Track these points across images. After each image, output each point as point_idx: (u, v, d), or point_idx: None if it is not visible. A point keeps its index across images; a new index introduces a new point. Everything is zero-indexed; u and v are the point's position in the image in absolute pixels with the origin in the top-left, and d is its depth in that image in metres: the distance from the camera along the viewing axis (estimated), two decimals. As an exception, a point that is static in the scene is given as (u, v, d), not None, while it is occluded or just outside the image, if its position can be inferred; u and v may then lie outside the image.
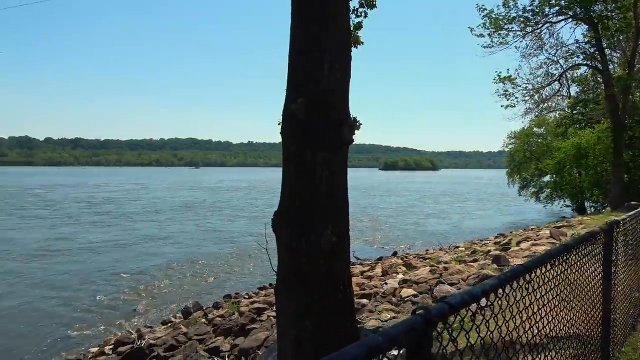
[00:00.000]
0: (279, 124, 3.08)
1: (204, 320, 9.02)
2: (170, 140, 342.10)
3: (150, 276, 14.63)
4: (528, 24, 20.53)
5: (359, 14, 5.48)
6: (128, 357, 7.41)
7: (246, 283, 13.74)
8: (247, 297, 11.13)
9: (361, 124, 2.94)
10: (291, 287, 2.73)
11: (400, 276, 10.28)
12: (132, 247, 19.73)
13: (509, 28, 20.43)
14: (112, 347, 8.39)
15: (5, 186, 64.66)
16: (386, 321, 5.73)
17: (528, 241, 12.08)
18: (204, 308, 10.34)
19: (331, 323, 2.72)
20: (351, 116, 2.87)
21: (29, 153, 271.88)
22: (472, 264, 10.15)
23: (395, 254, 16.72)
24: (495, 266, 9.09)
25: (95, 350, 8.58)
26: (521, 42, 20.98)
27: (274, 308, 9.02)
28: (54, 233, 22.94)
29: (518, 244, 12.13)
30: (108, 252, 18.54)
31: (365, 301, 7.88)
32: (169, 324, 9.69)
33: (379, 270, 11.77)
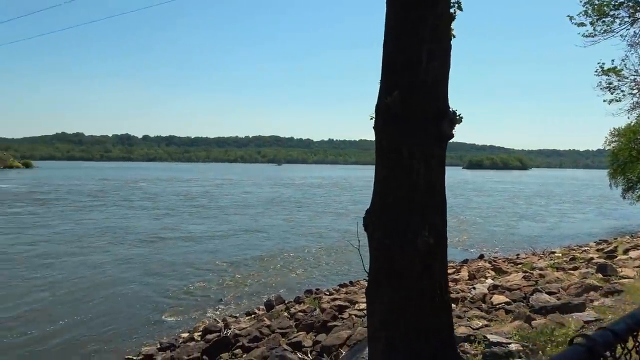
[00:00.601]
0: (371, 118, 2.94)
1: (286, 314, 9.13)
2: (254, 138, 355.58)
3: (238, 267, 15.22)
4: (638, 9, 18.45)
5: (452, 5, 5.15)
6: (215, 344, 7.68)
7: (326, 279, 13.82)
8: (327, 293, 11.16)
9: (462, 118, 2.71)
10: (383, 288, 2.58)
11: (489, 281, 9.70)
12: (226, 238, 20.71)
13: (614, 14, 18.49)
14: (200, 333, 8.76)
15: (112, 179, 71.79)
16: (478, 328, 5.36)
17: (638, 249, 10.83)
18: (286, 302, 10.54)
19: (426, 327, 2.54)
20: (451, 109, 2.66)
21: (128, 149, 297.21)
22: (572, 271, 9.29)
23: (481, 257, 15.92)
24: (600, 276, 8.21)
25: (185, 335, 9.00)
26: (628, 29, 18.88)
27: (355, 306, 8.96)
28: (158, 223, 24.86)
29: (625, 251, 10.91)
30: (203, 242, 19.64)
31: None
32: (253, 315, 9.97)
33: (464, 273, 11.23)
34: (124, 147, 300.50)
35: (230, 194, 47.43)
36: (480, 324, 5.60)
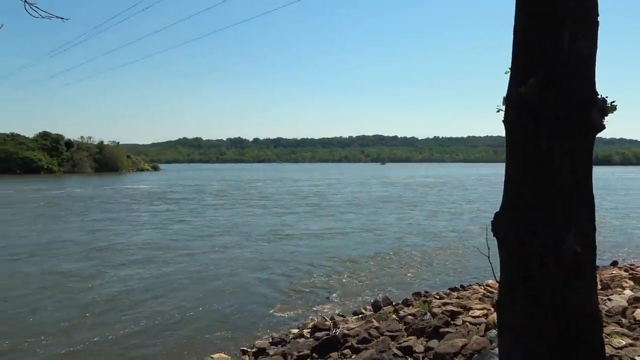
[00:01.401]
0: (498, 111, 2.65)
1: (394, 316, 8.89)
2: (358, 137, 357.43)
3: (346, 265, 15.33)
4: None
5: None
6: (324, 343, 7.72)
7: (435, 282, 13.29)
8: (437, 297, 10.68)
9: (616, 106, 2.30)
10: (518, 302, 2.28)
11: (628, 292, 8.53)
12: (338, 236, 21.09)
13: None
14: (309, 331, 8.83)
15: (229, 179, 77.43)
16: (620, 348, 4.67)
17: None
18: (394, 303, 10.30)
19: (571, 348, 2.20)
20: (599, 95, 2.27)
21: (240, 152, 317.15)
22: None
23: (615, 264, 14.15)
24: None
25: (295, 331, 9.18)
26: None
27: (469, 313, 8.43)
28: (277, 221, 26.21)
29: None
30: (317, 239, 20.20)
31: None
32: (360, 315, 9.85)
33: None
34: (237, 150, 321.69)
35: (340, 193, 48.32)
36: (623, 342, 4.87)
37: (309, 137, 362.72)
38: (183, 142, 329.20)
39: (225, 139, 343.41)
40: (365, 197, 42.25)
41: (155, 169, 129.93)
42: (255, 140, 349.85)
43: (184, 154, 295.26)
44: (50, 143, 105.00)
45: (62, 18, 3.40)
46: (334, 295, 12.09)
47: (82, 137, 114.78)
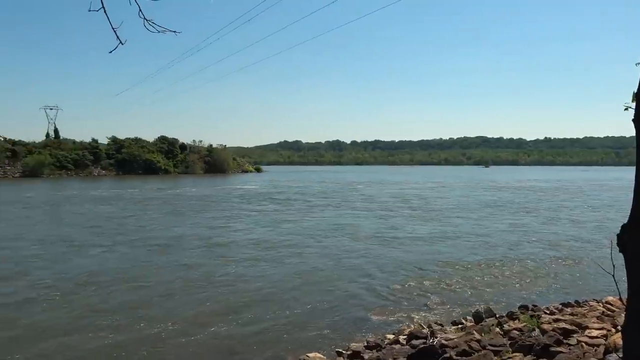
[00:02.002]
0: (626, 108, 2.34)
1: (498, 329, 8.34)
2: (459, 139, 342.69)
3: (448, 271, 14.84)
4: None
5: None
6: (421, 352, 7.46)
7: (545, 295, 12.27)
8: (547, 311, 9.81)
9: None
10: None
11: None
12: (443, 241, 20.56)
13: None
14: (405, 337, 8.62)
15: (329, 181, 79.18)
16: None
17: None
18: (497, 315, 9.70)
19: None
20: None
21: (338, 154, 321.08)
22: None
23: None
24: None
25: (390, 337, 9.00)
26: None
27: (585, 332, 7.61)
28: (380, 223, 26.36)
29: None
30: (420, 244, 19.87)
31: None
32: (460, 326, 9.43)
33: None
34: (335, 153, 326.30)
35: (445, 197, 46.89)
36: None
37: (407, 140, 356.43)
38: (284, 145, 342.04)
39: (323, 142, 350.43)
40: (472, 202, 40.44)
41: (258, 170, 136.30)
42: (353, 142, 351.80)
43: (285, 157, 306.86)
44: (167, 146, 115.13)
45: (175, 32, 3.65)
46: (432, 302, 11.72)
47: (194, 141, 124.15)
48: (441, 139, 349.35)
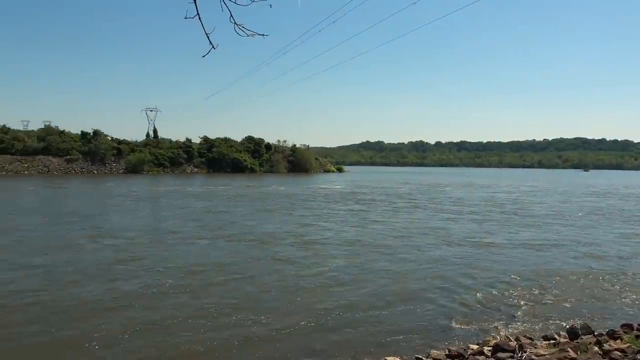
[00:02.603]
0: None
1: (596, 348, 7.50)
2: (555, 141, 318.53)
3: (542, 281, 13.77)
4: None
5: None
6: (508, 365, 6.54)
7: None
8: (655, 332, 8.44)
9: None
10: None
11: None
12: (543, 248, 19.17)
13: None
14: (490, 349, 8.12)
15: (414, 183, 77.40)
16: None
17: None
18: (595, 333, 8.85)
19: None
20: None
21: (422, 155, 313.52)
22: None
23: None
24: None
25: (474, 347, 8.54)
26: None
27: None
28: (472, 228, 25.14)
29: None
30: (513, 250, 18.58)
31: None
32: (552, 341, 8.64)
33: None
34: (418, 153, 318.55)
35: (542, 201, 43.68)
36: None
37: (496, 141, 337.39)
38: (366, 145, 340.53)
39: (406, 143, 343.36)
40: (574, 208, 36.94)
41: (340, 170, 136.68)
42: (437, 143, 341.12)
43: (366, 157, 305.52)
44: (254, 146, 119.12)
45: (263, 35, 3.74)
46: (522, 313, 10.94)
47: (278, 141, 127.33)
48: (534, 140, 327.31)
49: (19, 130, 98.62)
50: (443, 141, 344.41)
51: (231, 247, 18.13)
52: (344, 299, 11.67)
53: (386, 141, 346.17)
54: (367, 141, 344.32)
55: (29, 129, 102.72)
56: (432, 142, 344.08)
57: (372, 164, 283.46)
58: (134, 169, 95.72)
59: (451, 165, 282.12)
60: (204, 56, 3.78)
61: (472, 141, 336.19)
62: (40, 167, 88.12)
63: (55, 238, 19.53)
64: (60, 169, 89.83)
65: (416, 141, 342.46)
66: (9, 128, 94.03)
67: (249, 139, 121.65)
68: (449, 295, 12.25)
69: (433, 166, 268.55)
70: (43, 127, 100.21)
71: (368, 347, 8.77)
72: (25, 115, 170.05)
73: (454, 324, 10.14)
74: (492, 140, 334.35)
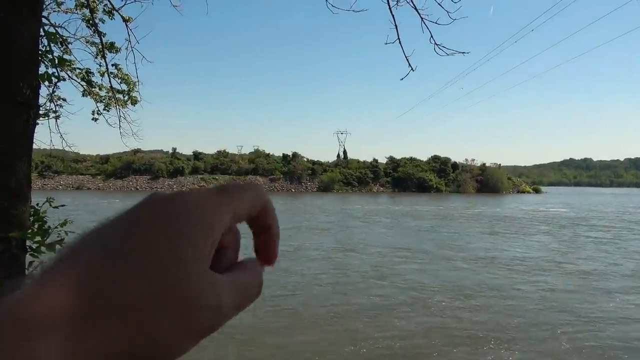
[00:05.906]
0: None
1: None
2: None
3: None
4: None
5: None
6: None
7: None
8: None
9: None
10: None
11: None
12: None
13: None
14: None
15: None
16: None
17: None
18: None
19: None
20: None
21: None
22: None
23: None
24: None
25: None
26: None
27: None
28: None
29: None
30: None
31: None
32: None
33: None
34: (638, 172, 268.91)
35: None
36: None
37: None
38: (568, 163, 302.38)
39: (622, 159, 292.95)
40: None
41: (537, 191, 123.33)
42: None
43: (569, 176, 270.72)
44: (440, 165, 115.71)
45: (463, 52, 4.24)
46: None
47: (466, 160, 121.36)
48: None
49: (235, 154, 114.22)
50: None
51: (489, 273, 15.87)
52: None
53: (595, 158, 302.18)
54: (571, 158, 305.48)
55: (242, 152, 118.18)
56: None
57: (577, 184, 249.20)
58: (325, 188, 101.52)
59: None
60: (402, 79, 4.16)
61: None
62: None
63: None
64: (265, 188, 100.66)
65: (635, 158, 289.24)
66: (227, 152, 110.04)
67: (435, 158, 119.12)
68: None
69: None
70: (253, 150, 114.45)
71: None
72: (239, 140, 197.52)
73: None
74: None
